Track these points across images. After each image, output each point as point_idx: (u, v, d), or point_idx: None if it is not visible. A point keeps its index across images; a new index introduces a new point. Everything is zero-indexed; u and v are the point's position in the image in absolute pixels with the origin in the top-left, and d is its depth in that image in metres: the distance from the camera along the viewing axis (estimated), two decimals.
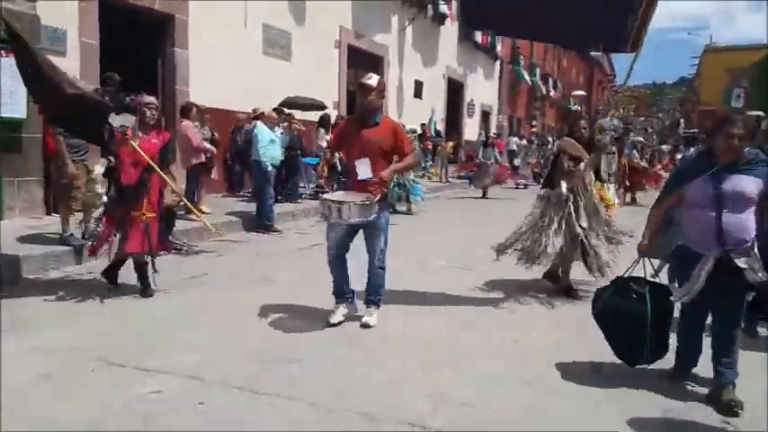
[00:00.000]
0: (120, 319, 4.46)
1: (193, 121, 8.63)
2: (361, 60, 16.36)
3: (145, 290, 5.09)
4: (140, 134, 5.08)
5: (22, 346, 3.75)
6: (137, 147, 4.94)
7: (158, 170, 5.06)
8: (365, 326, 4.39)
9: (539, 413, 3.16)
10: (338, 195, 4.31)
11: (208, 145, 8.77)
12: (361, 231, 4.40)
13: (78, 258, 6.06)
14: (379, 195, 4.19)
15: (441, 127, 21.19)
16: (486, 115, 26.94)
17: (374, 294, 4.57)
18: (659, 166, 19.91)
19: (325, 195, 4.32)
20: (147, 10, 9.56)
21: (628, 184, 13.82)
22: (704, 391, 3.45)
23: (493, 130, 25.51)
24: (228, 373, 3.49)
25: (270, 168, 8.66)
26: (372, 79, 4.28)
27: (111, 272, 5.25)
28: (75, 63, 8.09)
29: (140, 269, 5.13)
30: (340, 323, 4.42)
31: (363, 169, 4.26)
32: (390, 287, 5.51)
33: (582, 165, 5.34)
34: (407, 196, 11.18)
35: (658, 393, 3.43)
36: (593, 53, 46.61)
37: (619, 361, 3.71)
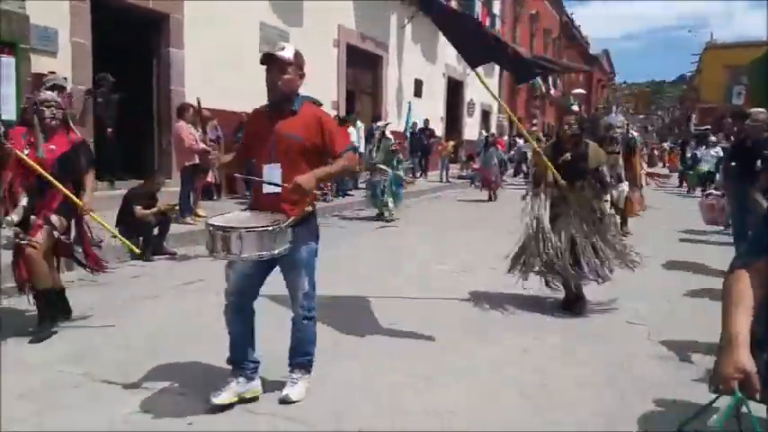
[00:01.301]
0: (110, 331, 4.26)
1: (189, 122, 8.44)
2: (361, 59, 16.19)
3: (40, 326, 4.05)
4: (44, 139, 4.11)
5: (4, 361, 3.56)
6: (24, 156, 3.99)
7: (53, 181, 4.03)
8: (285, 401, 3.12)
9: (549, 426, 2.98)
10: (236, 218, 3.05)
11: (202, 145, 8.56)
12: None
13: (69, 264, 5.86)
14: (295, 216, 2.98)
15: (439, 126, 21.00)
16: (486, 115, 26.76)
17: (299, 355, 3.30)
18: (661, 164, 19.78)
19: (212, 219, 3.04)
20: (141, 9, 9.38)
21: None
22: None
23: (493, 130, 25.34)
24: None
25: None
26: (286, 50, 3.09)
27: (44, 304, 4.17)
28: (66, 63, 7.92)
29: (42, 297, 4.12)
30: (230, 405, 3.09)
31: (270, 176, 3.04)
32: (386, 294, 5.38)
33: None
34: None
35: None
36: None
37: (631, 371, 3.52)
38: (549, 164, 4.79)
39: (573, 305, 4.95)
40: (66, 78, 7.50)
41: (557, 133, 5.12)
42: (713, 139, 16.93)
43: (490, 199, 13.89)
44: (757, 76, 30.63)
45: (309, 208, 3.11)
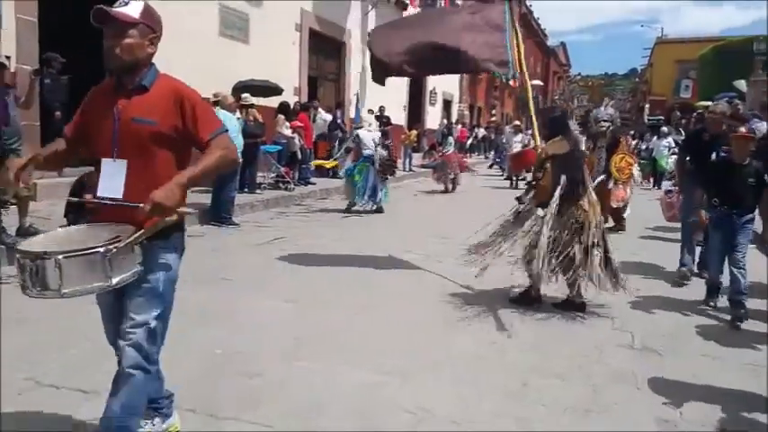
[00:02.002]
0: (58, 331, 3.97)
1: None
2: (324, 45, 15.90)
3: None
4: None
5: None
6: None
7: None
8: None
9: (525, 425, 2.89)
10: (62, 237, 2.28)
11: None
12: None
13: (12, 257, 5.51)
14: (148, 227, 2.17)
15: (402, 115, 20.88)
16: (447, 104, 26.76)
17: (150, 402, 2.56)
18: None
19: (23, 243, 2.29)
20: None
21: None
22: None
23: (454, 119, 25.40)
24: (180, 392, 3.08)
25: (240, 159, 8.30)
26: (129, 6, 2.27)
27: None
28: (10, 42, 7.44)
29: None
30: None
31: (110, 178, 2.24)
32: (356, 284, 5.24)
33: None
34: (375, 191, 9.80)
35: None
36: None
37: (608, 366, 3.48)
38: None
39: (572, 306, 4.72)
40: (8, 57, 7.02)
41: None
42: (665, 129, 16.54)
43: (446, 191, 13.57)
44: (705, 70, 31.69)
45: (174, 216, 2.21)
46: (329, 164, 12.47)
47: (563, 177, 4.58)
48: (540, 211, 4.64)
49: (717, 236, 4.85)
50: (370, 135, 9.95)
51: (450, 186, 13.62)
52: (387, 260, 6.37)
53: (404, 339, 4.02)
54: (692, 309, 4.97)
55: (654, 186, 15.53)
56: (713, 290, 5.03)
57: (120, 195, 2.21)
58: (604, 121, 7.35)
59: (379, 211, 9.81)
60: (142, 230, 2.14)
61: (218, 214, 8.12)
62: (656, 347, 4.02)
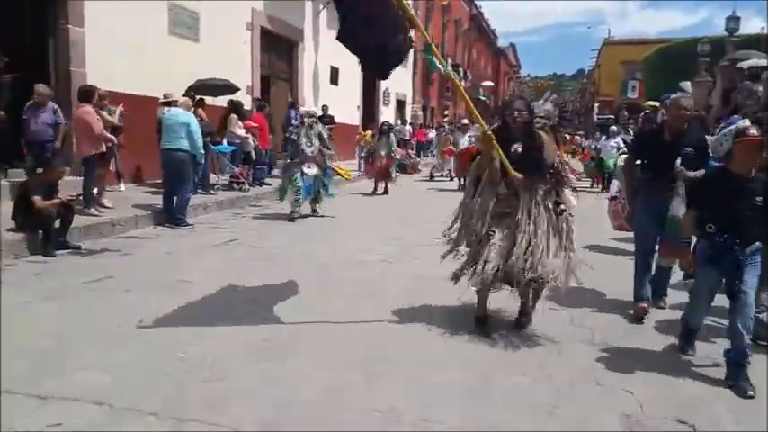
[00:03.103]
0: (9, 334, 3.85)
1: (97, 107, 7.84)
2: (276, 44, 15.77)
3: None
4: None
5: None
6: None
7: None
8: None
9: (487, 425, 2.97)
10: None
11: (108, 134, 8.00)
12: None
13: None
14: None
15: (356, 114, 20.90)
16: (401, 104, 26.92)
17: None
18: (578, 158, 19.66)
19: None
20: None
21: None
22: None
23: (408, 119, 25.59)
24: (141, 396, 3.04)
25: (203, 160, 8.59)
26: None
27: None
28: None
29: None
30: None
31: None
32: (316, 285, 5.23)
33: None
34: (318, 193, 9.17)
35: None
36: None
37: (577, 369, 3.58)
38: (501, 153, 4.12)
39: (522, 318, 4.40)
40: None
41: (503, 120, 4.36)
42: (614, 128, 15.40)
43: (374, 192, 12.86)
44: (650, 71, 32.91)
45: None
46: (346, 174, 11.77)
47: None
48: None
49: (710, 273, 3.69)
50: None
51: (379, 188, 12.97)
52: (346, 261, 6.39)
53: (369, 340, 4.02)
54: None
55: (602, 190, 14.28)
56: (691, 334, 3.98)
57: None
58: (540, 117, 6.91)
59: (317, 213, 9.21)
60: None
61: (172, 216, 7.97)
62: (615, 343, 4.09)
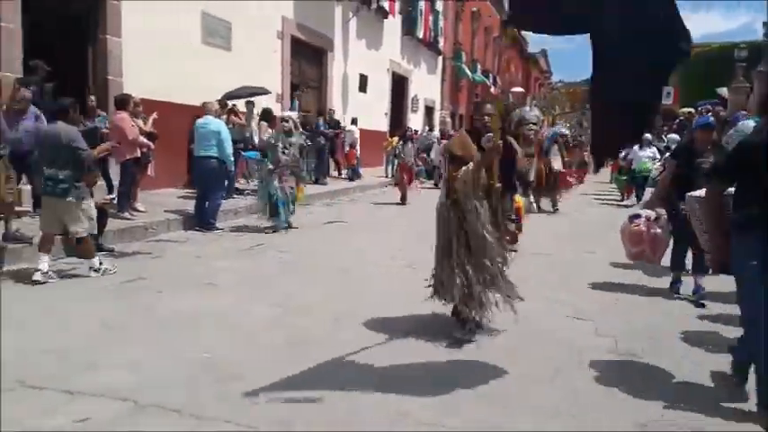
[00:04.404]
0: (43, 333, 4.04)
1: (131, 114, 8.13)
2: (305, 52, 16.00)
3: None
4: None
5: None
6: None
7: None
8: None
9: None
10: None
11: (144, 140, 8.27)
12: None
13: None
14: None
15: (383, 121, 21.02)
16: (429, 110, 26.97)
17: None
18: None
19: None
20: None
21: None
22: None
23: (436, 126, 25.58)
24: (166, 394, 3.18)
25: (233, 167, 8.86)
26: None
27: None
28: None
29: None
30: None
31: None
32: (341, 290, 5.32)
33: (465, 168, 4.00)
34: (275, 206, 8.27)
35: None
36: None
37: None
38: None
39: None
40: None
41: (472, 124, 4.24)
42: (648, 136, 12.79)
43: (402, 201, 12.22)
44: (686, 76, 32.32)
45: None
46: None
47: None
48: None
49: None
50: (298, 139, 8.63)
51: (403, 197, 12.37)
52: (371, 266, 6.47)
53: (387, 345, 4.07)
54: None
55: (638, 201, 12.65)
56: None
57: None
58: (533, 123, 6.12)
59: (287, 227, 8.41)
60: None
61: (203, 220, 8.19)
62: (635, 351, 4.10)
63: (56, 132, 5.36)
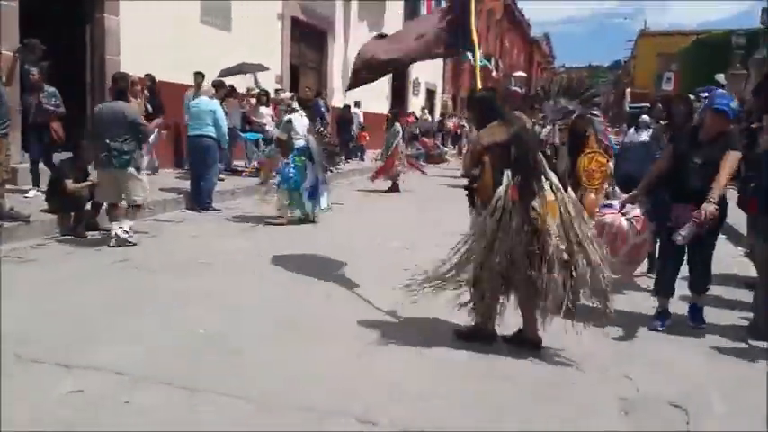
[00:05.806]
0: (40, 309, 4.07)
1: (131, 94, 8.08)
2: (306, 34, 15.89)
3: None
4: None
5: None
6: None
7: None
8: None
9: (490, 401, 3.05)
10: None
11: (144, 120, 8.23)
12: None
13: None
14: None
15: (385, 104, 20.95)
16: (431, 94, 26.85)
17: None
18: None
19: None
20: None
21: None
22: None
23: (437, 109, 25.48)
24: (158, 367, 3.22)
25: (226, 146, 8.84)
26: None
27: None
28: None
29: None
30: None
31: None
32: (337, 270, 5.35)
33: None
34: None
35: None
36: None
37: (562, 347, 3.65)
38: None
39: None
40: None
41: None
42: (645, 118, 12.06)
43: (392, 190, 11.50)
44: (686, 63, 32.20)
45: None
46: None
47: (506, 172, 3.55)
48: (486, 219, 3.55)
49: None
50: (302, 121, 7.87)
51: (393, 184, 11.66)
52: (368, 248, 6.47)
53: (381, 323, 4.09)
54: None
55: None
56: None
57: None
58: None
59: (310, 221, 7.81)
60: None
61: (200, 200, 8.20)
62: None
63: (120, 109, 5.98)
